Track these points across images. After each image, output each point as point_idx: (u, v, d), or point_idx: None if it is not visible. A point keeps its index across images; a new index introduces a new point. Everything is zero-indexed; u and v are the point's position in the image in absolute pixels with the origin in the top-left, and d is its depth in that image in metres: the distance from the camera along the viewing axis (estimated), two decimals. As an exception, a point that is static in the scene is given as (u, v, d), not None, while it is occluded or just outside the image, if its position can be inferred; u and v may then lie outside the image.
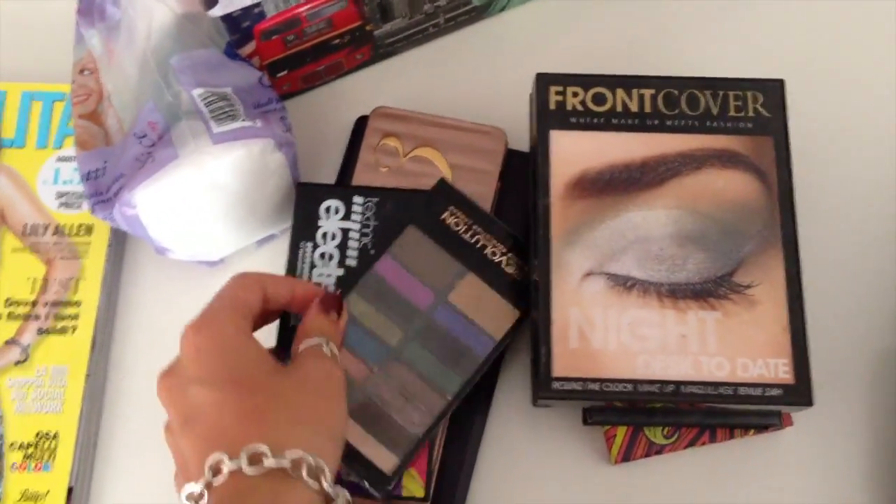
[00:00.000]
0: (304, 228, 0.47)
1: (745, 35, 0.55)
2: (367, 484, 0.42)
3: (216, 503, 0.36)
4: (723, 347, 0.42)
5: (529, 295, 0.44)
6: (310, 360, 0.40)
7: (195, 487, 0.36)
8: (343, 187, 0.49)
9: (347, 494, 0.37)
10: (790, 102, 0.47)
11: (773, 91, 0.47)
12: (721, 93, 0.46)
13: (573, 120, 0.46)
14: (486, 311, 0.44)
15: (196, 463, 0.37)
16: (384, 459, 0.43)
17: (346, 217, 0.47)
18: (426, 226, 0.46)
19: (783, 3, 0.56)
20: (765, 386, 0.42)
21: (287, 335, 0.45)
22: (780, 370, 0.42)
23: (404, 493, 0.43)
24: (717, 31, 0.55)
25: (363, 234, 0.47)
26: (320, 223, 0.47)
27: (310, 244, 0.47)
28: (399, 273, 0.45)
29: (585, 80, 0.47)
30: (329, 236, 0.47)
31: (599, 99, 0.47)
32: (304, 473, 0.36)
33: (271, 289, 0.42)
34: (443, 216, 0.45)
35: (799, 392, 0.42)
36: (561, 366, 0.42)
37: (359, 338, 0.44)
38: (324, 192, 0.48)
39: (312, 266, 0.47)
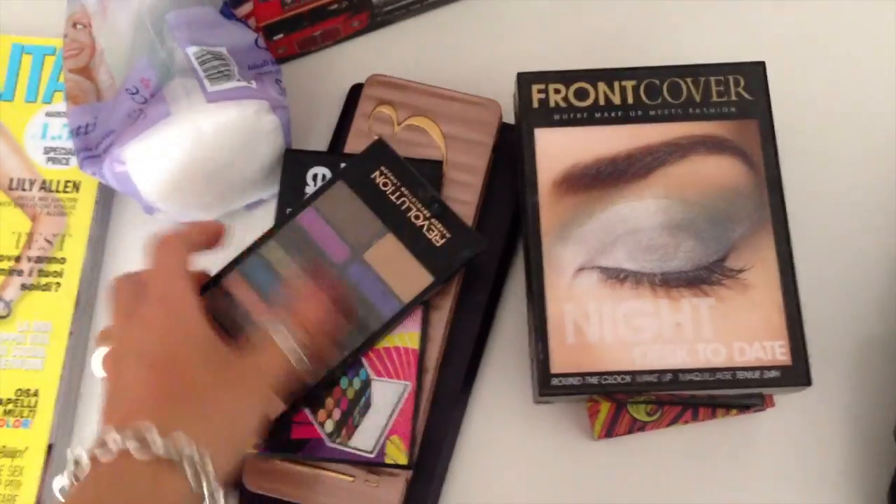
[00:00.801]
0: (290, 194, 0.47)
1: (723, 20, 0.55)
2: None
3: (94, 477, 0.36)
4: (718, 333, 0.43)
5: (447, 262, 0.44)
6: (269, 364, 0.40)
7: (81, 454, 0.36)
8: (331, 155, 0.48)
9: None
10: (772, 84, 0.47)
11: (754, 74, 0.47)
12: (702, 79, 0.46)
13: (557, 117, 0.46)
14: (399, 273, 0.44)
15: (105, 416, 0.38)
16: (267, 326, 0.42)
17: None
18: (355, 182, 0.45)
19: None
20: (762, 369, 0.42)
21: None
22: (776, 352, 0.42)
23: (387, 461, 0.43)
24: (695, 17, 0.55)
25: None
26: (307, 190, 0.47)
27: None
28: (320, 226, 0.45)
29: (567, 77, 0.47)
30: None
31: (582, 94, 0.46)
32: (187, 467, 0.36)
33: (194, 241, 0.42)
34: (373, 175, 0.45)
35: (797, 373, 0.42)
36: (559, 362, 0.43)
37: (269, 283, 0.44)
38: (311, 158, 0.48)
39: None
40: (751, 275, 0.43)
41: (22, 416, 0.47)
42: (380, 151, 0.46)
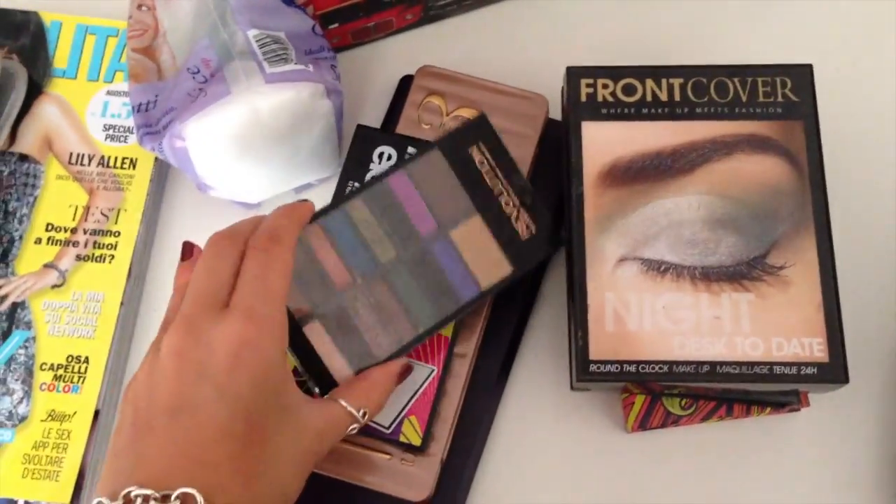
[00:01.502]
0: (354, 168, 0.48)
1: (772, 21, 0.56)
2: (312, 384, 0.42)
3: None
4: (757, 328, 0.43)
5: (528, 258, 0.44)
6: (336, 427, 0.39)
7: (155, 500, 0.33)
8: (399, 136, 0.49)
9: None
10: (819, 87, 0.47)
11: (801, 75, 0.47)
12: (749, 79, 0.47)
13: (604, 111, 0.47)
14: (482, 258, 0.44)
15: (164, 467, 0.34)
16: (339, 370, 0.42)
17: None
18: (451, 153, 0.45)
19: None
20: (800, 365, 0.42)
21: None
22: (814, 349, 0.42)
23: (401, 438, 0.44)
24: (744, 18, 0.56)
25: None
26: (371, 166, 0.48)
27: (357, 185, 0.48)
28: (410, 193, 0.44)
29: (615, 72, 0.48)
30: None
31: (629, 89, 0.47)
32: None
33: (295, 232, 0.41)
34: (470, 149, 0.45)
35: (834, 370, 0.42)
36: (598, 349, 0.43)
37: (352, 244, 0.43)
38: (380, 137, 0.49)
39: None
40: (791, 272, 0.44)
41: (72, 382, 0.49)
42: (481, 126, 0.45)
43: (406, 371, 0.43)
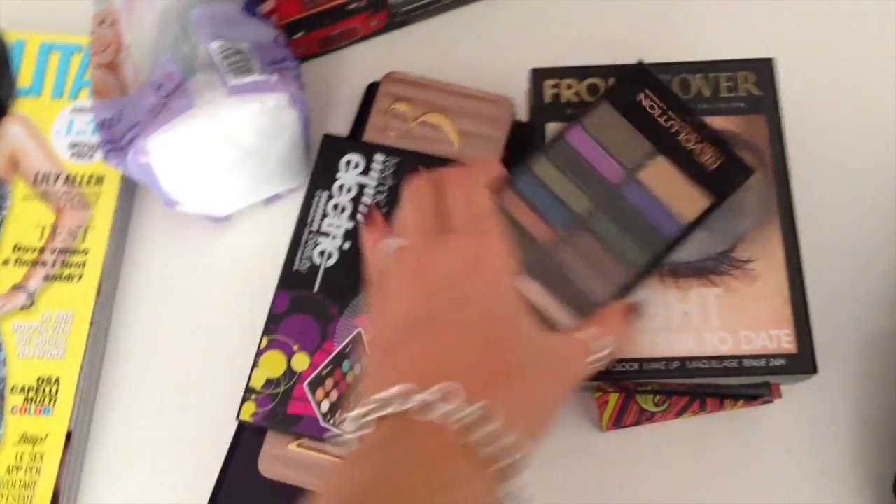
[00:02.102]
0: (322, 177, 0.49)
1: (734, 17, 0.56)
2: None
3: (403, 428, 0.33)
4: (725, 322, 0.43)
5: (722, 186, 0.44)
6: (572, 352, 0.39)
7: (420, 397, 0.33)
8: (366, 143, 0.50)
9: None
10: (782, 81, 0.48)
11: (763, 70, 0.48)
12: (712, 75, 0.47)
13: (569, 111, 0.47)
14: (676, 194, 0.44)
15: (418, 372, 0.35)
16: (564, 322, 0.43)
17: (365, 172, 0.49)
18: (621, 103, 0.46)
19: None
20: (769, 357, 0.42)
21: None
22: (782, 341, 0.43)
23: None
24: (706, 15, 0.56)
25: (378, 191, 0.48)
26: (339, 175, 0.49)
27: (325, 193, 0.48)
28: (590, 145, 0.45)
29: (579, 72, 0.48)
30: (345, 189, 0.48)
31: (593, 89, 0.48)
32: (506, 463, 0.34)
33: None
34: (638, 97, 0.46)
35: (802, 361, 0.42)
36: None
37: (547, 201, 0.44)
38: (347, 145, 0.49)
39: (324, 215, 0.48)
40: (758, 266, 0.44)
41: (43, 404, 0.48)
42: (642, 75, 0.46)
43: (633, 308, 0.42)
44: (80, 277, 0.50)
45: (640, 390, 0.47)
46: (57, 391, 0.48)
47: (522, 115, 0.51)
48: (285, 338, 0.46)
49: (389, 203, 0.48)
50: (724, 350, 0.43)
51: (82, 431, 0.49)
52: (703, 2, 0.57)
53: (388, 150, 0.49)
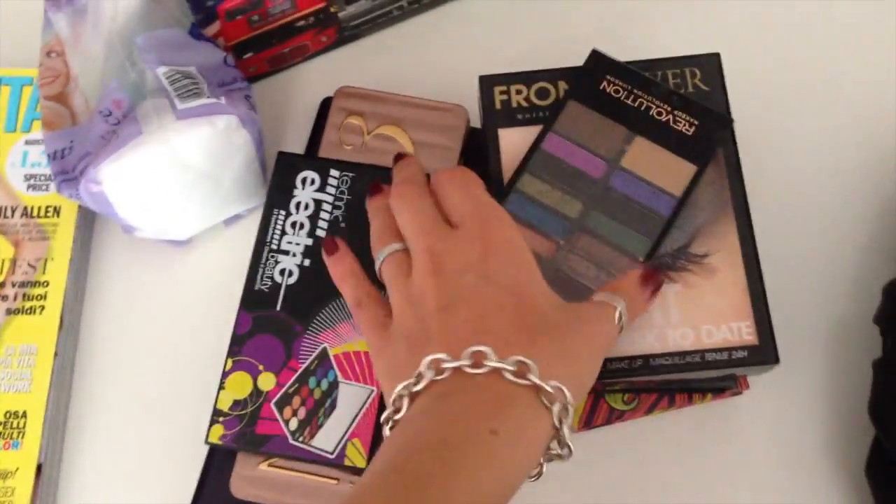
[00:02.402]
0: (279, 196, 0.48)
1: (679, 15, 0.57)
2: None
3: (446, 390, 0.35)
4: (686, 317, 0.43)
5: (704, 148, 0.45)
6: (597, 312, 0.40)
7: (449, 362, 0.35)
8: (321, 160, 0.49)
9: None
10: (728, 76, 0.48)
11: (709, 65, 0.48)
12: (659, 73, 0.48)
13: (519, 116, 0.47)
14: (661, 170, 0.45)
15: (451, 344, 0.36)
16: None
17: (321, 189, 0.48)
18: (586, 98, 0.46)
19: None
20: (730, 350, 0.43)
21: None
22: (743, 332, 0.43)
23: (346, 462, 0.44)
24: (651, 14, 0.57)
25: (335, 207, 0.48)
26: (295, 192, 0.48)
27: (283, 212, 0.48)
28: (567, 147, 0.45)
29: (527, 77, 0.48)
30: (302, 206, 0.48)
31: (543, 93, 0.48)
32: (556, 409, 0.35)
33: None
34: (601, 86, 0.46)
35: (764, 351, 0.43)
36: None
37: (540, 215, 0.45)
38: (302, 162, 0.49)
39: (283, 233, 0.48)
40: (715, 259, 0.44)
41: (11, 438, 0.48)
42: (599, 62, 0.47)
43: (653, 274, 0.42)
44: (42, 309, 0.50)
45: (608, 390, 0.47)
46: (25, 424, 0.48)
47: (476, 122, 0.51)
48: (250, 358, 0.46)
49: (348, 219, 0.48)
50: (686, 345, 0.43)
51: (53, 463, 0.49)
52: (644, 3, 0.57)
53: (343, 165, 0.49)
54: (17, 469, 0.47)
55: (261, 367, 0.46)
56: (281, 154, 0.49)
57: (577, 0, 0.57)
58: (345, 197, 0.48)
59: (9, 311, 0.50)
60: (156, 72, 0.46)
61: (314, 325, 0.46)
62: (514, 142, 0.47)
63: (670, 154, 0.45)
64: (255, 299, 0.47)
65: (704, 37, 0.55)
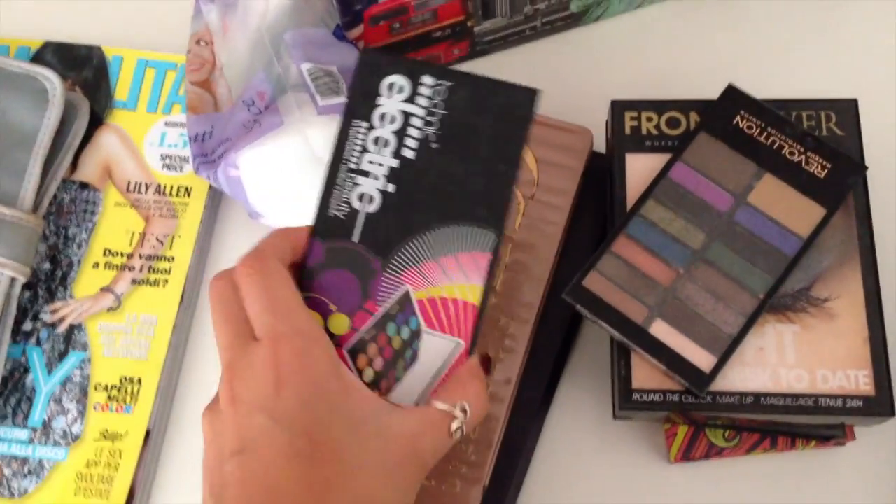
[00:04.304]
0: (360, 105, 0.40)
1: (816, 56, 0.56)
2: (687, 384, 0.43)
3: None
4: (802, 360, 0.43)
5: (835, 192, 0.45)
6: (421, 427, 0.36)
7: None
8: (412, 61, 0.41)
9: None
10: (864, 121, 0.48)
11: (846, 110, 0.48)
12: (794, 113, 0.48)
13: (648, 143, 0.48)
14: (789, 210, 0.45)
15: (233, 493, 0.34)
16: (702, 359, 0.43)
17: (411, 99, 0.40)
18: (718, 131, 0.47)
19: (855, 26, 0.56)
20: (845, 398, 0.42)
21: None
22: (860, 382, 0.42)
23: None
24: (789, 53, 0.56)
25: (427, 123, 0.40)
26: (379, 101, 0.40)
27: (364, 125, 0.40)
28: (694, 178, 0.46)
29: (659, 105, 0.49)
30: (388, 119, 0.40)
31: (673, 123, 0.48)
32: None
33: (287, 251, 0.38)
34: (734, 120, 0.47)
35: (880, 403, 0.42)
36: (641, 378, 0.44)
37: (661, 242, 0.45)
38: (389, 63, 0.40)
39: (364, 150, 0.40)
40: (836, 304, 0.44)
41: (124, 402, 0.50)
42: (734, 97, 0.47)
43: (483, 363, 0.40)
44: (166, 283, 0.52)
45: (709, 424, 0.47)
46: (139, 391, 0.50)
47: (598, 146, 0.52)
48: (320, 295, 0.39)
49: (442, 139, 0.40)
50: (800, 388, 0.42)
51: (160, 431, 0.51)
52: (783, 41, 0.57)
53: (440, 72, 0.40)
54: (127, 433, 0.50)
55: (333, 307, 0.39)
56: (364, 52, 0.41)
57: (712, 34, 0.57)
58: (439, 112, 0.40)
59: (134, 282, 0.52)
60: (301, 67, 0.48)
61: (395, 263, 0.39)
62: (640, 168, 0.47)
63: (799, 195, 0.45)
64: (327, 226, 0.39)
65: (841, 81, 0.55)
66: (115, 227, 0.54)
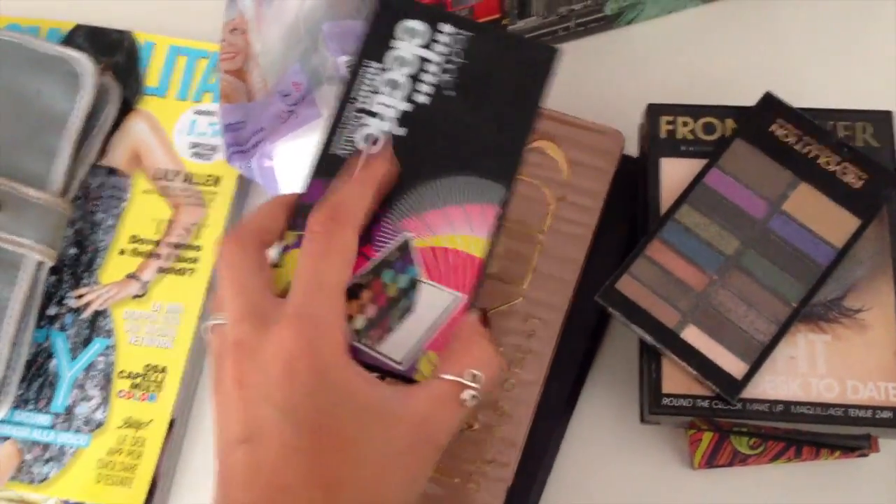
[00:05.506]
0: (374, 45, 0.39)
1: (854, 66, 0.56)
2: (718, 391, 0.43)
3: None
4: (832, 369, 0.43)
5: (870, 203, 0.45)
6: (431, 402, 0.35)
7: None
8: (432, 7, 0.40)
9: None
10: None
11: (882, 122, 0.48)
12: (830, 123, 0.48)
13: (683, 148, 0.48)
14: (823, 219, 0.45)
15: (240, 483, 0.33)
16: (733, 366, 0.43)
17: (428, 46, 0.39)
18: (754, 138, 0.47)
19: (893, 37, 0.56)
20: (875, 409, 0.42)
21: None
22: (890, 393, 0.42)
23: (416, 377, 0.36)
24: (826, 62, 0.56)
25: (444, 70, 0.39)
26: (395, 44, 0.39)
27: (376, 65, 0.39)
28: (729, 184, 0.46)
29: (696, 110, 0.49)
30: (402, 62, 0.39)
31: (709, 128, 0.48)
32: None
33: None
34: (771, 128, 0.47)
35: None
36: (671, 382, 0.44)
37: (695, 247, 0.45)
38: (408, 7, 0.40)
39: (375, 91, 0.38)
40: (869, 315, 0.44)
41: (149, 391, 0.50)
42: (772, 104, 0.47)
43: (483, 318, 0.38)
44: (193, 272, 0.52)
45: (735, 431, 0.47)
46: (163, 380, 0.50)
47: (629, 148, 0.52)
48: None
49: (457, 88, 0.39)
50: (830, 398, 0.42)
51: (183, 420, 0.51)
52: (818, 50, 0.57)
53: (459, 20, 0.40)
54: (151, 421, 0.50)
55: None
56: None
57: (747, 40, 0.57)
58: (457, 60, 0.39)
59: (161, 270, 0.52)
60: (338, 59, 0.48)
61: (397, 209, 0.38)
62: (674, 172, 0.47)
63: (834, 204, 0.45)
64: (329, 164, 0.38)
65: (878, 93, 0.55)
66: (142, 214, 0.53)
